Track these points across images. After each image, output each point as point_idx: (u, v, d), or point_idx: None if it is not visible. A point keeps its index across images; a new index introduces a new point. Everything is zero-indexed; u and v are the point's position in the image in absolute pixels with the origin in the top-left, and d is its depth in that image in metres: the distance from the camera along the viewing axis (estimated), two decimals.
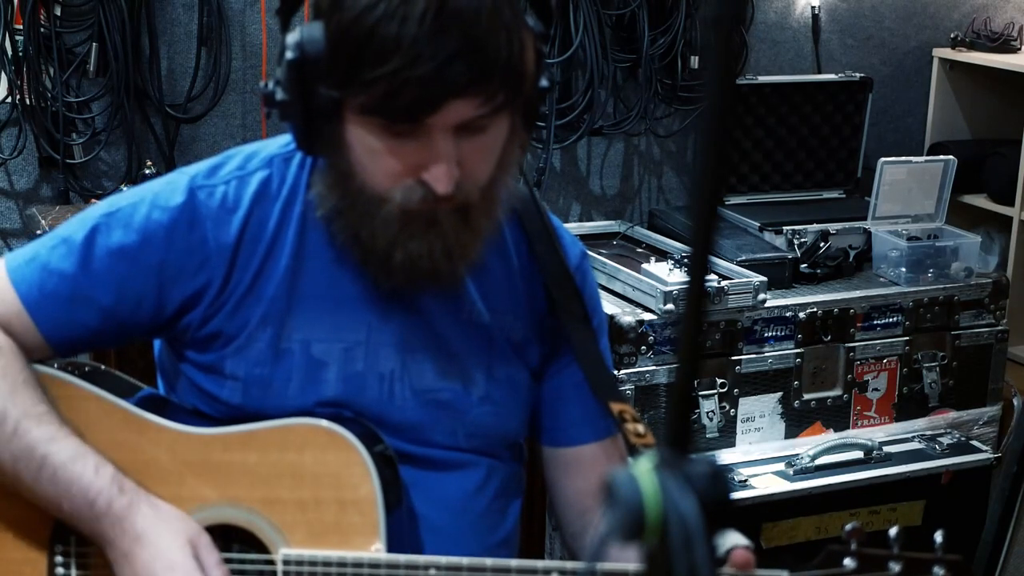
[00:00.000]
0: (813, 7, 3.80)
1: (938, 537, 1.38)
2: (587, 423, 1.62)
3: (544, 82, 1.43)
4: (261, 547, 1.46)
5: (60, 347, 1.49)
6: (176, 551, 1.40)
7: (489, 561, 1.40)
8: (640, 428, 1.50)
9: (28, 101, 3.03)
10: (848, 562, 1.36)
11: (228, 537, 1.47)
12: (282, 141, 1.53)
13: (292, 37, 1.36)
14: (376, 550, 1.42)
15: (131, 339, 1.53)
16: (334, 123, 1.37)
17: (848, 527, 1.38)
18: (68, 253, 1.47)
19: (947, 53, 3.94)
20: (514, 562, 1.40)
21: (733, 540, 1.42)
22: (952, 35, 3.96)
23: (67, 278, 1.46)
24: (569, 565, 1.41)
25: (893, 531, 1.37)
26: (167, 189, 1.49)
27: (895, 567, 1.36)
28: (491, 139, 1.39)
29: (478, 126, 1.36)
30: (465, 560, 1.40)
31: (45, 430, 1.42)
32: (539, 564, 1.40)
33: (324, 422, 1.44)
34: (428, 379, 1.52)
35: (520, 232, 1.57)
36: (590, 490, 1.62)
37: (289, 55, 1.35)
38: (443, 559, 1.40)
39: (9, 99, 3.03)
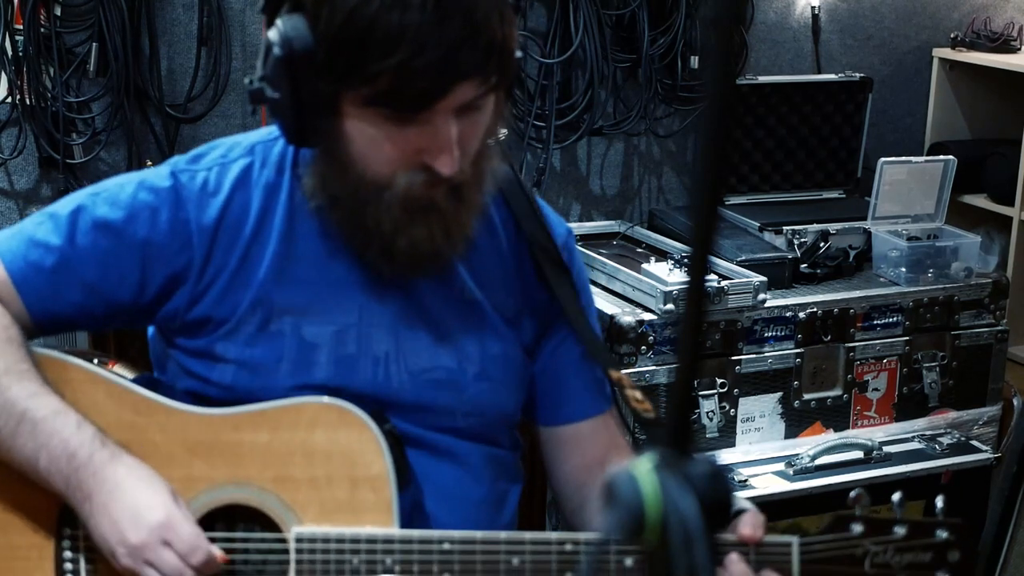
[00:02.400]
0: (813, 7, 3.80)
1: (939, 502, 1.42)
2: (583, 399, 1.64)
3: (519, 52, 1.44)
4: (273, 526, 1.46)
5: (42, 320, 1.50)
6: (157, 496, 1.41)
7: (503, 534, 1.41)
8: (638, 395, 1.53)
9: (28, 101, 3.03)
10: (855, 527, 1.39)
11: (240, 517, 1.47)
12: (265, 131, 1.54)
13: (275, 33, 1.36)
14: (391, 525, 1.43)
15: (114, 319, 1.53)
16: (330, 116, 1.38)
17: (852, 494, 1.41)
18: (55, 227, 1.49)
19: (947, 53, 3.94)
20: (528, 534, 1.41)
21: (738, 504, 1.44)
22: (952, 35, 3.96)
23: (52, 250, 1.48)
24: (582, 536, 1.41)
25: (896, 496, 1.41)
26: (153, 174, 1.51)
27: (900, 530, 1.40)
28: (484, 116, 1.41)
29: (476, 106, 1.38)
30: (479, 534, 1.40)
31: (26, 386, 1.43)
32: (552, 535, 1.41)
33: (336, 400, 1.45)
34: (424, 359, 1.52)
35: (506, 211, 1.58)
36: (588, 464, 1.64)
37: (277, 52, 1.35)
38: (456, 533, 1.41)
39: (9, 99, 3.03)
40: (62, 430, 1.42)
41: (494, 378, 1.56)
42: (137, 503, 1.40)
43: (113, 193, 1.50)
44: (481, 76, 1.35)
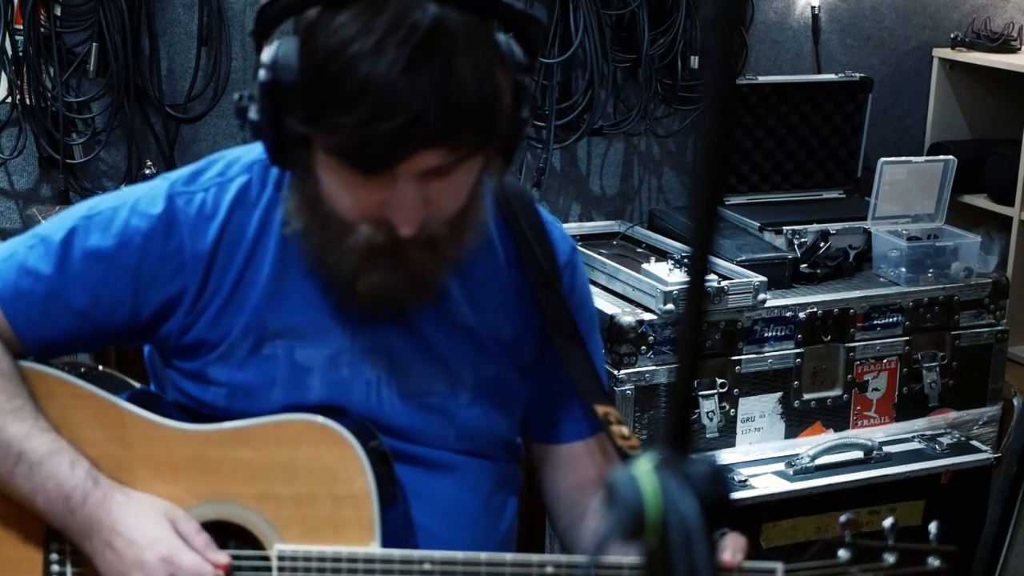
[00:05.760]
0: (813, 7, 3.80)
1: (932, 528, 1.39)
2: (580, 420, 1.62)
3: (524, 113, 1.37)
4: (256, 543, 1.46)
5: (34, 347, 1.49)
6: (154, 528, 1.41)
7: (483, 555, 1.40)
8: (624, 431, 1.51)
9: (28, 101, 3.03)
10: (843, 553, 1.37)
11: (223, 533, 1.47)
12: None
13: (267, 55, 1.33)
14: (372, 544, 1.43)
15: (108, 343, 1.53)
16: (303, 151, 1.35)
17: (843, 518, 1.39)
18: (45, 253, 1.47)
19: (947, 53, 3.94)
20: (508, 556, 1.41)
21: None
22: (952, 35, 3.96)
23: (43, 278, 1.46)
24: (564, 558, 1.41)
25: (887, 522, 1.38)
26: (148, 195, 1.48)
27: (890, 558, 1.37)
28: (460, 179, 1.36)
29: (445, 171, 1.32)
30: (459, 554, 1.40)
31: (20, 426, 1.43)
32: (533, 558, 1.41)
33: (319, 418, 1.45)
34: (416, 384, 1.51)
35: (506, 230, 1.55)
36: (581, 484, 1.62)
37: (262, 75, 1.32)
38: (437, 553, 1.41)
39: (9, 99, 3.03)
40: (56, 473, 1.42)
41: (487, 403, 1.55)
42: (137, 541, 1.41)
43: (106, 217, 1.47)
44: (450, 144, 1.29)
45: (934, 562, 1.38)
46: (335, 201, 1.36)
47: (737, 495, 2.80)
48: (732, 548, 1.38)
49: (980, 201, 3.85)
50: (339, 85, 1.26)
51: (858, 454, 2.97)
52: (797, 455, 2.93)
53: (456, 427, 1.53)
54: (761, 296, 2.92)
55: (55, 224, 1.49)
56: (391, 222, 1.34)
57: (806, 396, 3.04)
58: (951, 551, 1.38)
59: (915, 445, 3.08)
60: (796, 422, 3.04)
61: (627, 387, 2.80)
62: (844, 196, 3.67)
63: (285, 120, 1.32)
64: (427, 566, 1.40)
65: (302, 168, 1.37)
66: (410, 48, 1.24)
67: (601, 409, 1.53)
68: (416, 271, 1.39)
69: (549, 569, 1.40)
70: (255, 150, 1.51)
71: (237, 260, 1.47)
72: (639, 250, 3.28)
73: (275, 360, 1.48)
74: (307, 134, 1.32)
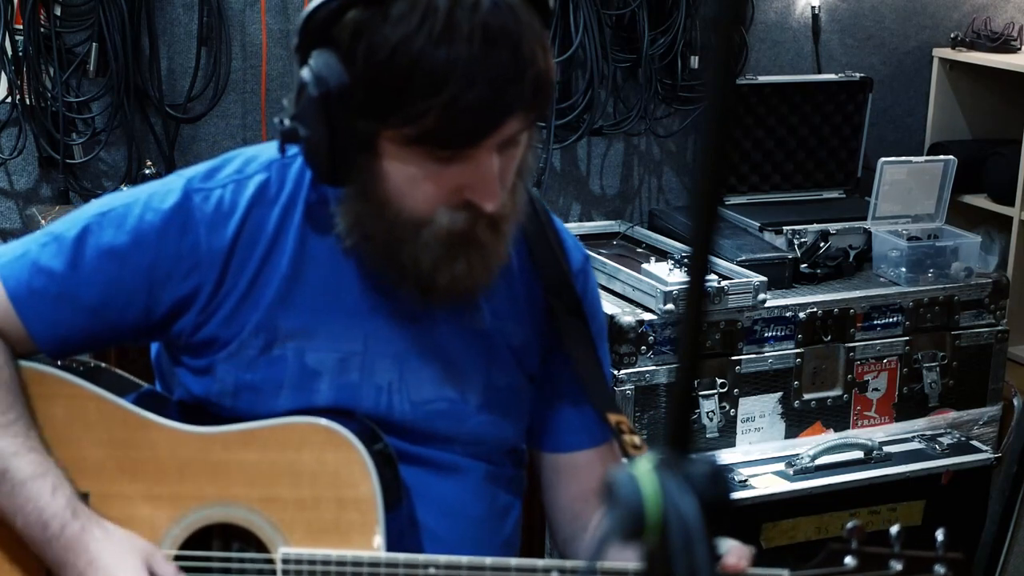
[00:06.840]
0: (813, 7, 3.80)
1: (939, 535, 1.38)
2: (584, 430, 1.61)
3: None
4: (260, 546, 1.46)
5: (48, 346, 1.48)
6: (131, 572, 1.40)
7: (488, 560, 1.40)
8: (636, 440, 1.50)
9: (28, 101, 3.03)
10: (849, 560, 1.37)
11: (227, 536, 1.47)
12: None
13: (308, 72, 1.33)
14: (377, 547, 1.43)
15: (122, 341, 1.52)
16: (366, 155, 1.35)
17: (849, 525, 1.38)
18: (59, 251, 1.46)
19: (947, 53, 3.94)
20: (513, 561, 1.40)
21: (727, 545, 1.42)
22: (952, 35, 3.96)
23: (56, 276, 1.45)
24: (569, 564, 1.41)
25: (894, 529, 1.38)
26: (162, 191, 1.47)
27: (896, 565, 1.37)
28: (521, 148, 1.39)
29: (516, 140, 1.36)
30: (464, 559, 1.40)
31: (10, 442, 1.42)
32: (539, 563, 1.40)
33: (323, 420, 1.44)
34: (426, 390, 1.51)
35: (520, 236, 1.54)
36: (583, 495, 1.61)
37: (312, 92, 1.32)
38: (442, 558, 1.40)
39: (9, 99, 3.02)
40: (37, 497, 1.41)
41: (497, 410, 1.54)
42: None
43: (120, 214, 1.46)
44: (528, 108, 1.33)
45: (940, 570, 1.37)
46: (407, 197, 1.36)
47: (737, 495, 2.80)
48: (737, 555, 1.37)
49: (980, 201, 3.84)
50: (417, 71, 1.27)
51: (858, 454, 2.97)
52: (797, 455, 2.94)
53: (464, 432, 1.53)
54: (761, 296, 2.93)
55: (69, 222, 1.48)
56: (471, 203, 1.36)
57: (806, 396, 3.04)
58: (958, 559, 1.38)
59: (915, 445, 3.09)
60: (796, 422, 3.04)
61: (627, 387, 2.80)
62: (844, 196, 3.67)
63: (345, 128, 1.33)
64: (432, 570, 1.39)
65: (362, 176, 1.37)
66: (481, 21, 1.27)
67: (613, 418, 1.52)
68: (489, 255, 1.41)
69: (554, 574, 1.40)
70: (271, 149, 1.50)
71: (254, 258, 1.46)
72: (639, 250, 3.28)
73: (284, 362, 1.47)
74: (378, 133, 1.33)
